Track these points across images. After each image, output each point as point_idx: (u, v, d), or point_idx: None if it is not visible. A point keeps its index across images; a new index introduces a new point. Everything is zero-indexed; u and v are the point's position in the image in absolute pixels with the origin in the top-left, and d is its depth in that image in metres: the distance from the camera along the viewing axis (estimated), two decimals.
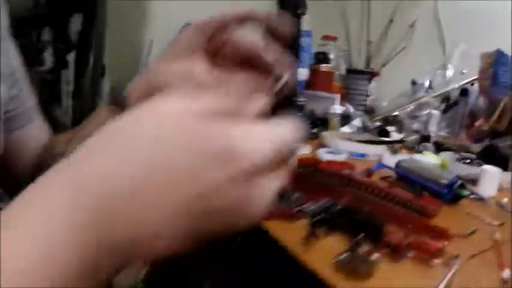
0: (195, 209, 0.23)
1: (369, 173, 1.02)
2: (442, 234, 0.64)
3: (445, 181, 0.88)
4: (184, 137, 0.24)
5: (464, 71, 1.61)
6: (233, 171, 0.24)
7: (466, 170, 1.06)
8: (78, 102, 1.65)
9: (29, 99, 0.60)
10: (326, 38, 1.90)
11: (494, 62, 1.48)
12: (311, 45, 1.95)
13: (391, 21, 1.97)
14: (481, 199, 0.93)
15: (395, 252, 0.60)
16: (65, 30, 1.58)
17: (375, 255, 0.59)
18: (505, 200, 0.93)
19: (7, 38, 0.54)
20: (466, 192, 0.85)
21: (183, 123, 0.24)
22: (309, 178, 0.89)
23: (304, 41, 1.91)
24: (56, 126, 1.59)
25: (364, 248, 0.60)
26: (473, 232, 0.74)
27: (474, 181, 1.04)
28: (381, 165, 1.07)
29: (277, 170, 0.27)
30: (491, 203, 0.93)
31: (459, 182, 0.87)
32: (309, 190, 0.81)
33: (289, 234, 0.67)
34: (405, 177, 0.98)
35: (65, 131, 0.60)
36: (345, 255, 0.58)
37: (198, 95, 0.26)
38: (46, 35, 1.51)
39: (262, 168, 0.25)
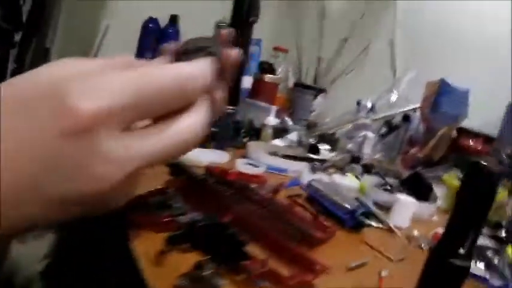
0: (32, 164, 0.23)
1: (277, 189, 0.93)
2: (311, 266, 0.54)
3: (348, 206, 0.79)
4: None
5: (408, 97, 1.56)
6: (64, 125, 0.22)
7: (383, 196, 0.99)
8: None
9: None
10: (277, 49, 1.83)
11: (438, 90, 1.43)
12: (260, 54, 1.88)
13: (345, 40, 1.91)
14: (389, 230, 0.85)
15: (248, 280, 0.50)
16: (15, 10, 1.48)
17: (221, 281, 0.49)
18: (415, 232, 0.85)
19: None
20: (368, 222, 0.77)
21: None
22: (204, 187, 0.79)
23: (253, 49, 1.84)
24: None
25: (213, 271, 0.50)
26: (361, 265, 0.65)
27: (389, 209, 0.96)
28: (295, 183, 0.98)
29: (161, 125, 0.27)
30: (400, 234, 0.85)
31: (363, 209, 0.78)
32: (198, 200, 0.72)
33: (147, 244, 0.57)
34: (313, 198, 0.90)
35: None
36: (186, 277, 0.49)
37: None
38: None
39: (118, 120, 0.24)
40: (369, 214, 0.80)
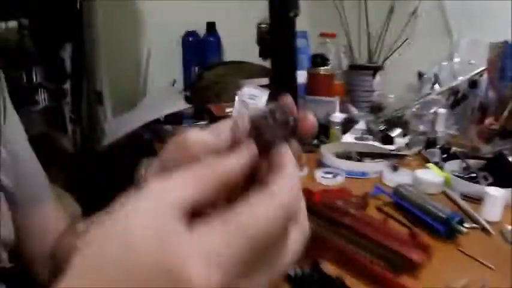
0: None
1: (365, 201, 0.96)
2: None
3: (442, 216, 0.81)
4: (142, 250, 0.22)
5: (472, 62, 1.51)
6: None
7: (469, 188, 0.99)
8: (78, 130, 1.64)
9: (36, 179, 0.63)
10: (324, 35, 1.81)
11: (502, 54, 1.37)
12: (308, 46, 1.88)
13: (392, 9, 1.86)
14: (483, 229, 0.86)
15: None
16: (55, 65, 1.55)
17: None
18: (509, 228, 0.86)
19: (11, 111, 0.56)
20: (464, 230, 0.78)
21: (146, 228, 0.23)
22: None
23: (300, 42, 1.83)
24: (61, 154, 1.58)
25: None
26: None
27: (478, 200, 0.97)
28: (380, 190, 1.00)
29: None
30: (493, 233, 0.85)
31: (458, 217, 0.80)
32: None
33: None
34: (402, 205, 0.92)
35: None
36: None
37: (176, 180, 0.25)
38: (37, 75, 1.48)
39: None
40: (463, 222, 0.81)
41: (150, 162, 0.37)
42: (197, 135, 0.31)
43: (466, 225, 0.82)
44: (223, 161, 0.27)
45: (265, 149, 0.30)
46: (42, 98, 1.51)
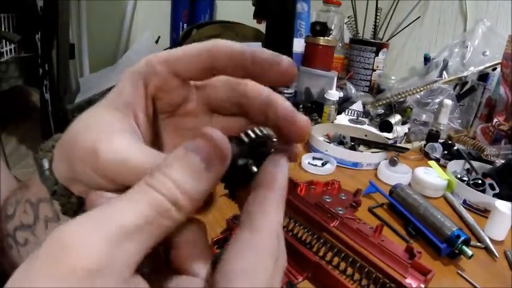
0: None
1: (357, 201, 0.84)
2: None
3: (447, 232, 0.70)
4: None
5: (486, 53, 1.38)
6: None
7: (475, 196, 0.88)
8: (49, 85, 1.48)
9: None
10: (328, 2, 1.65)
11: None
12: (309, 11, 1.72)
13: None
14: (485, 247, 0.76)
15: None
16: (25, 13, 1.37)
17: None
18: None
19: None
20: (470, 253, 0.67)
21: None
22: None
23: (301, 7, 1.68)
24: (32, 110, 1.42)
25: None
26: None
27: (482, 211, 0.86)
28: (373, 188, 0.88)
29: None
30: (497, 256, 0.74)
31: (464, 237, 0.68)
32: None
33: None
34: (399, 210, 0.81)
35: None
36: None
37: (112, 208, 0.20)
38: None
39: None
40: (468, 243, 0.70)
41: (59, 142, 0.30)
42: (117, 152, 0.25)
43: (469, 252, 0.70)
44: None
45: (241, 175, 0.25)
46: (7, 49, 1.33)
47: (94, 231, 0.18)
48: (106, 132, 0.26)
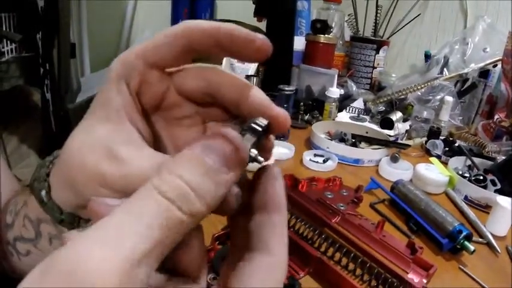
0: None
1: (358, 197, 0.84)
2: None
3: (448, 227, 0.70)
4: None
5: (486, 49, 1.37)
6: None
7: (476, 192, 0.88)
8: (50, 84, 1.48)
9: None
10: (328, 0, 1.65)
11: None
12: (311, 9, 1.72)
13: None
14: (487, 243, 0.75)
15: None
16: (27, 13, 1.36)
17: None
18: None
19: None
20: (472, 248, 0.67)
21: None
22: None
23: (301, 5, 1.68)
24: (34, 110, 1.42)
25: None
26: None
27: (483, 207, 0.86)
28: (375, 184, 0.88)
29: None
30: (499, 251, 0.74)
31: (465, 232, 0.68)
32: None
33: None
34: (400, 206, 0.80)
35: None
36: None
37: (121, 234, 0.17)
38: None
39: None
40: (470, 238, 0.70)
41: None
42: (122, 168, 0.25)
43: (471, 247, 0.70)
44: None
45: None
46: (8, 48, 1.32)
47: (111, 252, 0.17)
48: (105, 149, 0.25)
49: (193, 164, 0.19)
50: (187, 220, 0.18)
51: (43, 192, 0.30)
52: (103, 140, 0.25)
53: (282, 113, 0.26)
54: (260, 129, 0.24)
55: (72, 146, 0.27)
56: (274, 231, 0.24)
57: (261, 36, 0.25)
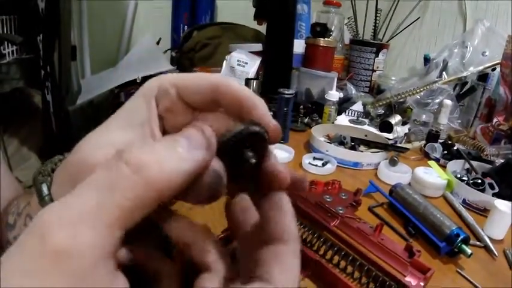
0: None
1: (357, 201, 0.84)
2: None
3: (446, 230, 0.70)
4: None
5: (485, 53, 1.38)
6: None
7: (474, 195, 0.88)
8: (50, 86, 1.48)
9: None
10: (328, 3, 1.66)
11: None
12: (310, 12, 1.72)
13: None
14: (485, 246, 0.76)
15: None
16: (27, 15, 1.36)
17: None
18: None
19: None
20: (470, 252, 0.68)
21: None
22: None
23: (301, 8, 1.68)
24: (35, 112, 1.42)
25: None
26: None
27: (481, 211, 0.87)
28: (373, 188, 0.89)
29: None
30: (497, 255, 0.75)
31: (463, 236, 0.69)
32: None
33: None
34: (399, 209, 0.81)
35: None
36: None
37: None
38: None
39: None
40: (468, 241, 0.70)
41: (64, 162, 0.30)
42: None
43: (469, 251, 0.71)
44: None
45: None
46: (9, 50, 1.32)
47: (63, 213, 0.18)
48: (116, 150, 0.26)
49: (162, 143, 0.21)
50: (147, 188, 0.19)
51: (44, 187, 0.30)
52: (117, 143, 0.26)
53: (276, 125, 0.27)
54: (256, 129, 0.25)
55: (84, 145, 0.28)
56: (280, 260, 0.24)
57: (275, 122, 0.27)
